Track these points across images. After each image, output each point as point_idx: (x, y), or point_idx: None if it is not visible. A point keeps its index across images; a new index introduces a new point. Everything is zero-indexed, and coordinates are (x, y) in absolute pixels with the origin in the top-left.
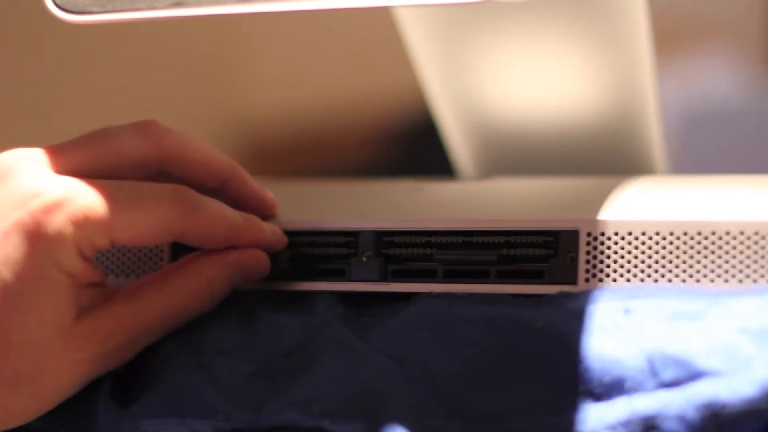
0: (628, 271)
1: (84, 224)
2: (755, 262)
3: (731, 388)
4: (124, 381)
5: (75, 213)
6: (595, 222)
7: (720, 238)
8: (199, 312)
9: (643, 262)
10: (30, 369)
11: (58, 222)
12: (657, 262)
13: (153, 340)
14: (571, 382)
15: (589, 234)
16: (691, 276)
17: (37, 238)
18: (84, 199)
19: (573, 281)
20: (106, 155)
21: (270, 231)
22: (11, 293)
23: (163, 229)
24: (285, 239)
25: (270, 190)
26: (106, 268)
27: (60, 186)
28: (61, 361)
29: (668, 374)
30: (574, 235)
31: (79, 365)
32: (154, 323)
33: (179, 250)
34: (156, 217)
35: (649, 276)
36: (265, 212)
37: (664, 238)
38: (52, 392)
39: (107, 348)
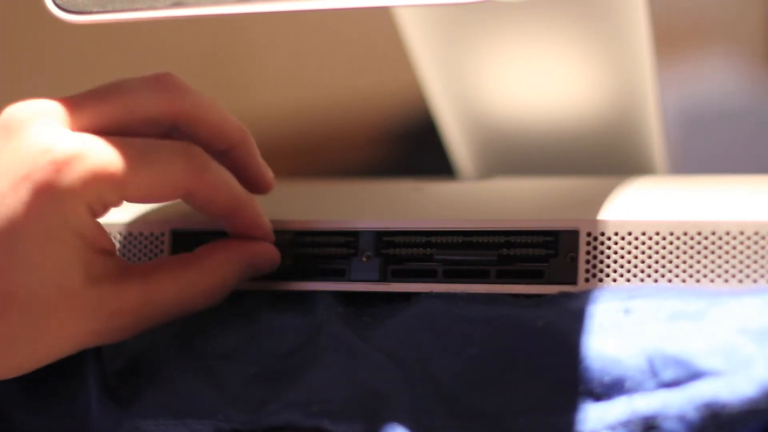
0: (628, 271)
1: (94, 181)
2: (755, 262)
3: (731, 388)
4: (124, 381)
5: (86, 170)
6: (595, 222)
7: (720, 238)
8: (206, 306)
9: (643, 262)
10: (29, 330)
11: (68, 179)
12: (657, 262)
13: (156, 324)
14: (571, 382)
15: (589, 234)
16: (691, 276)
17: (46, 195)
18: (95, 155)
19: (573, 281)
20: (119, 111)
21: (265, 218)
22: (16, 249)
23: (173, 186)
24: (272, 236)
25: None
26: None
27: (71, 142)
28: (63, 325)
29: (668, 374)
30: (574, 235)
31: (79, 333)
32: (161, 309)
33: (180, 239)
34: (166, 175)
35: (649, 276)
36: (261, 187)
37: (664, 238)
38: (47, 355)
39: (110, 325)
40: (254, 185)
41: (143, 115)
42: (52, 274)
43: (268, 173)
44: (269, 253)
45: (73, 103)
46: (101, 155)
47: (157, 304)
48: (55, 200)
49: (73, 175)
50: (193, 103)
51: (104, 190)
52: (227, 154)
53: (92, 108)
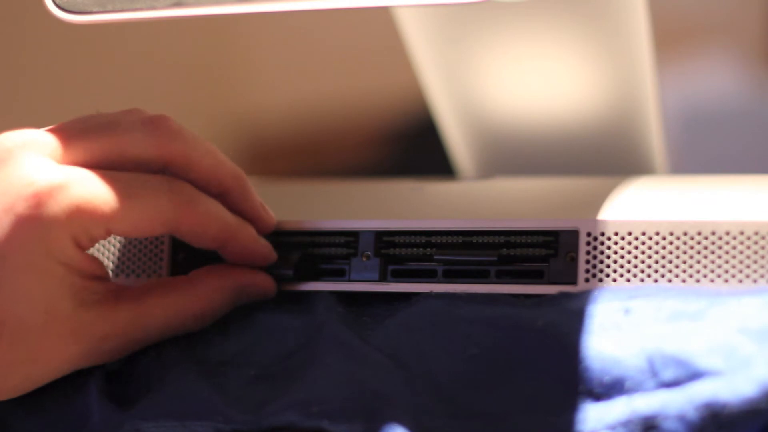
0: (628, 271)
1: (77, 214)
2: (755, 262)
3: (731, 388)
4: (124, 383)
5: (68, 202)
6: (595, 222)
7: (720, 238)
8: (197, 328)
9: (643, 262)
10: (23, 355)
11: (51, 211)
12: (657, 262)
13: (148, 344)
14: (571, 382)
15: (589, 234)
16: (691, 276)
17: (29, 226)
18: (78, 188)
19: (573, 281)
20: (111, 149)
21: (262, 242)
22: (2, 278)
23: (159, 220)
24: (274, 256)
25: (270, 190)
26: (105, 260)
27: (54, 174)
28: (55, 350)
29: (668, 374)
30: (574, 235)
31: (73, 358)
32: (152, 331)
33: (179, 248)
34: (152, 209)
35: (649, 276)
36: (261, 229)
37: (664, 238)
38: (42, 378)
39: (102, 347)
40: (255, 223)
41: (134, 156)
42: (40, 302)
43: (267, 214)
44: (263, 284)
45: (66, 135)
46: (85, 188)
47: (148, 327)
48: (38, 231)
49: (56, 207)
50: (186, 147)
51: (88, 223)
52: (222, 198)
53: (84, 143)
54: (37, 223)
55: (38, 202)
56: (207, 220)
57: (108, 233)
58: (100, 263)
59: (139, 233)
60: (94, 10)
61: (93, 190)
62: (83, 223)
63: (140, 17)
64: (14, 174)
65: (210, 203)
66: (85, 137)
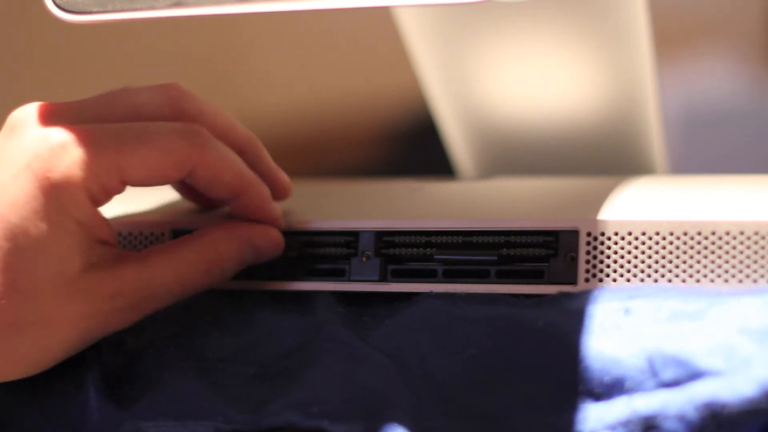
0: (628, 271)
1: (91, 165)
2: (755, 262)
3: (731, 388)
4: (124, 382)
5: (81, 154)
6: (595, 222)
7: (720, 238)
8: (209, 286)
9: (643, 262)
10: (33, 315)
11: (65, 164)
12: (657, 262)
13: (159, 307)
14: (571, 382)
15: (589, 234)
16: (691, 276)
17: (45, 182)
18: (90, 138)
19: (573, 281)
20: (123, 111)
21: (275, 204)
22: (18, 236)
23: (174, 164)
24: (283, 224)
25: None
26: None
27: (67, 128)
28: (65, 311)
29: (668, 374)
30: (574, 235)
31: (82, 319)
32: (161, 289)
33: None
34: (167, 153)
35: (649, 276)
36: (276, 192)
37: (664, 238)
38: (54, 343)
39: (112, 306)
40: (271, 186)
41: (148, 116)
42: (52, 261)
43: (282, 177)
44: (271, 236)
45: (80, 103)
46: (96, 137)
47: (156, 284)
48: (54, 187)
49: (69, 159)
50: (198, 108)
51: (101, 173)
52: None
53: (97, 107)
54: (53, 178)
55: (53, 155)
56: (224, 165)
57: (123, 183)
58: (111, 228)
59: (155, 179)
60: (94, 10)
61: (103, 140)
62: (96, 175)
63: (140, 17)
64: (30, 134)
65: (227, 150)
66: (97, 102)
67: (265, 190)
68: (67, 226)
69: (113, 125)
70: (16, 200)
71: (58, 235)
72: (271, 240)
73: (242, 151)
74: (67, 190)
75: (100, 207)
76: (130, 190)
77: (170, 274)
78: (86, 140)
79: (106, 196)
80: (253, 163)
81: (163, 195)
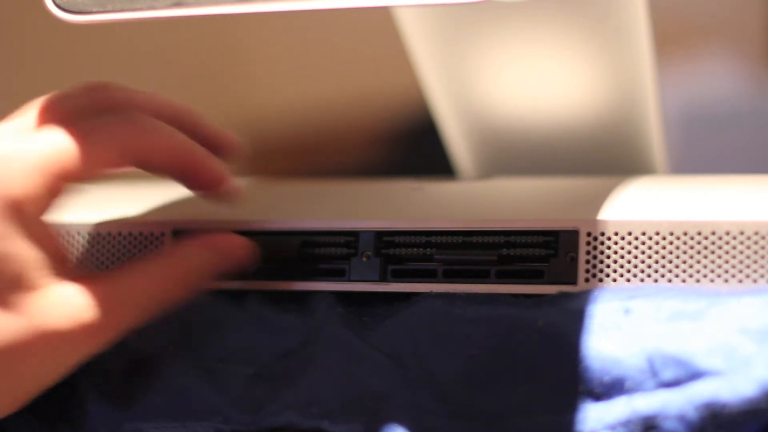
0: (628, 271)
1: (32, 176)
2: (755, 262)
3: (731, 388)
4: (123, 382)
5: (21, 167)
6: (595, 222)
7: (720, 238)
8: (186, 299)
9: (643, 262)
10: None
11: (9, 174)
12: (657, 262)
13: (133, 325)
14: (571, 382)
15: (589, 234)
16: (691, 276)
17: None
18: (29, 151)
19: (573, 281)
20: (57, 117)
21: (223, 165)
22: None
23: (119, 152)
24: (238, 193)
25: (270, 190)
26: (105, 260)
27: (6, 140)
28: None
29: (668, 374)
30: (574, 235)
31: (61, 341)
32: (135, 306)
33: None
34: (110, 142)
35: (649, 276)
36: (222, 148)
37: (664, 238)
38: (30, 377)
39: (87, 329)
40: (215, 149)
41: (79, 116)
42: (12, 275)
43: (226, 135)
44: (236, 241)
45: (6, 122)
46: (36, 149)
47: (126, 300)
48: (7, 201)
49: (12, 169)
50: (126, 95)
51: (46, 172)
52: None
53: (17, 117)
54: (3, 193)
55: (3, 169)
56: (170, 143)
57: (70, 177)
58: (64, 247)
59: (102, 169)
60: (94, 10)
61: (43, 149)
62: (42, 175)
63: (140, 17)
64: None
65: (171, 129)
66: (26, 115)
67: (216, 163)
68: (21, 245)
69: (49, 132)
70: None
71: (16, 249)
72: (239, 247)
73: (179, 124)
74: (16, 208)
75: (53, 207)
76: (130, 190)
77: (139, 287)
78: (24, 154)
79: (54, 203)
80: (194, 132)
81: (164, 195)
